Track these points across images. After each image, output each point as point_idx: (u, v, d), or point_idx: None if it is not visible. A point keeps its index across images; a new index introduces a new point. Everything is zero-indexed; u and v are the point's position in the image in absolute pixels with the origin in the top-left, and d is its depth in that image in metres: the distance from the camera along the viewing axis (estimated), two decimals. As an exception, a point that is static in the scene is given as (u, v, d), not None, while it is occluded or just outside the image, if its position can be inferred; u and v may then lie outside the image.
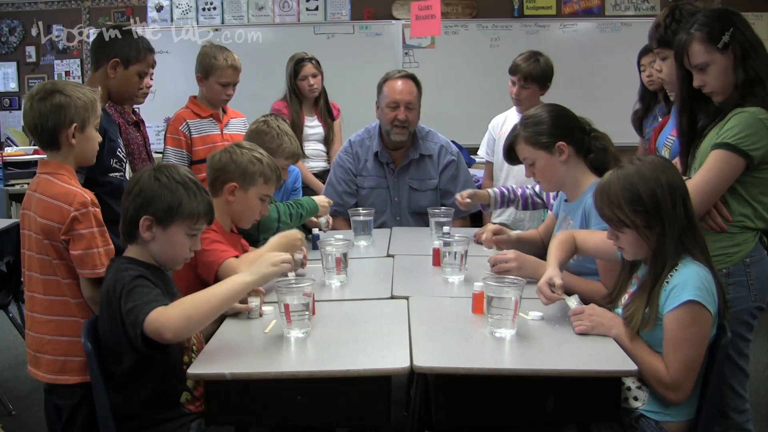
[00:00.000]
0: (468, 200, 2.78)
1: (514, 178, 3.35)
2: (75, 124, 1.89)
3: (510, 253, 2.14)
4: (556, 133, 2.16)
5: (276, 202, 2.65)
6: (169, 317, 1.58)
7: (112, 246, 1.90)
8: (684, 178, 1.96)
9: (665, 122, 2.49)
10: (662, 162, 1.76)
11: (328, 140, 3.89)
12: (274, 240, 2.22)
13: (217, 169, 2.24)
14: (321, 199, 2.82)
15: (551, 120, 2.17)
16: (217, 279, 2.03)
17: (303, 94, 3.78)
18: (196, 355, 1.77)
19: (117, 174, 2.29)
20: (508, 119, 3.46)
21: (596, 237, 1.94)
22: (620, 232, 1.73)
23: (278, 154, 2.61)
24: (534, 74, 3.23)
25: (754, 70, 1.89)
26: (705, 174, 1.91)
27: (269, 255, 1.80)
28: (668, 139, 2.32)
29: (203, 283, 2.08)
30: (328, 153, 3.90)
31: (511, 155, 2.31)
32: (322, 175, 3.76)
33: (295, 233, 2.29)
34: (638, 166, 1.71)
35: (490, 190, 2.89)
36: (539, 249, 2.40)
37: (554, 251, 1.94)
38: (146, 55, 2.50)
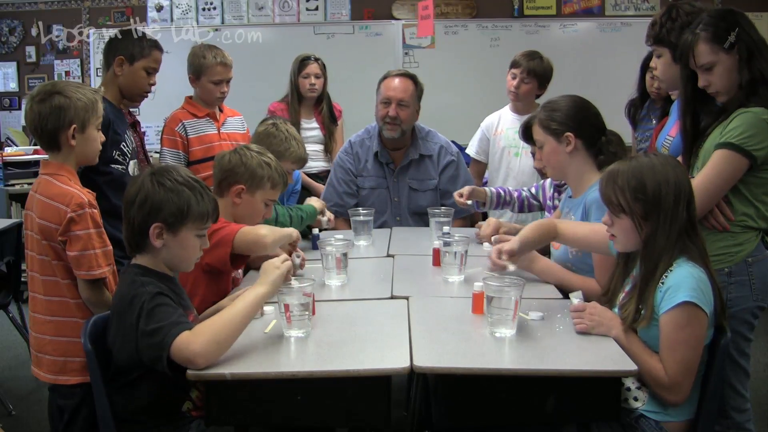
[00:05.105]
0: (468, 202, 2.80)
1: (514, 179, 3.34)
2: (74, 126, 1.89)
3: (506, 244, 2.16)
4: (568, 123, 2.20)
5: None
6: (199, 345, 1.53)
7: (110, 247, 1.90)
8: None
9: (665, 122, 2.49)
10: (674, 161, 1.80)
11: (326, 147, 3.83)
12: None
13: (226, 170, 2.23)
14: (315, 201, 2.83)
15: (567, 110, 2.22)
16: (234, 249, 2.01)
17: (302, 92, 3.74)
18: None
19: (119, 166, 2.30)
20: (502, 118, 3.45)
21: (586, 227, 1.98)
22: (617, 217, 1.76)
23: (285, 157, 2.62)
24: (537, 70, 3.27)
25: (759, 70, 1.90)
26: (708, 173, 1.91)
27: (268, 263, 1.74)
28: (666, 139, 2.32)
29: (209, 279, 2.09)
30: (325, 155, 3.87)
31: (527, 134, 2.42)
32: (317, 175, 3.75)
33: (289, 230, 2.22)
34: (651, 159, 1.76)
35: (487, 189, 2.92)
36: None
37: (527, 229, 2.05)
38: (151, 51, 2.56)
